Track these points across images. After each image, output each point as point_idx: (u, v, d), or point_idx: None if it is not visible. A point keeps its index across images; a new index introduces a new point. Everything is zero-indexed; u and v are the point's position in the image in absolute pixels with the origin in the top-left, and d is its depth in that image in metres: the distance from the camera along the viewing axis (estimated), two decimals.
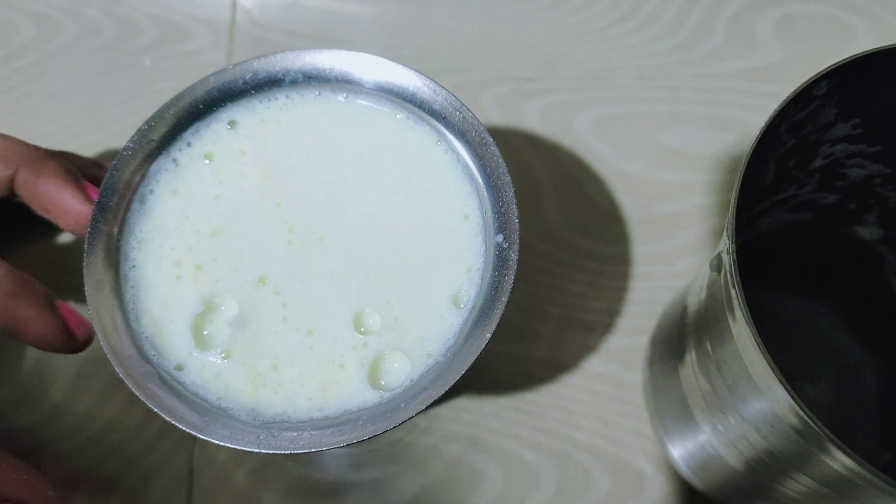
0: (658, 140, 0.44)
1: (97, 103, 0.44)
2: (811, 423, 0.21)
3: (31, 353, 0.38)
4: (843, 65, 0.25)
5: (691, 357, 0.31)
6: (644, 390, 0.38)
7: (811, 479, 0.27)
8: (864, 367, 0.37)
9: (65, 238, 0.40)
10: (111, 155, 0.35)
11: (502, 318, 0.27)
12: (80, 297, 0.28)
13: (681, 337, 0.33)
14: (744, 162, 0.24)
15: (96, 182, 0.32)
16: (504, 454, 0.37)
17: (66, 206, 0.31)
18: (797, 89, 0.25)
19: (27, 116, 0.44)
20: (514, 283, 0.27)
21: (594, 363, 0.39)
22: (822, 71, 0.25)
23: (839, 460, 0.22)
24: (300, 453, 0.36)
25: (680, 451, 0.35)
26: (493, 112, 0.44)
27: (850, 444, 0.21)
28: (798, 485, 0.28)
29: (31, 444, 0.37)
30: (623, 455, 0.37)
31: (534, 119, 0.44)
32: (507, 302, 0.27)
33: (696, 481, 0.35)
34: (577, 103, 0.44)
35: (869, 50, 0.26)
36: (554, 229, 0.41)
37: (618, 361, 0.39)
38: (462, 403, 0.38)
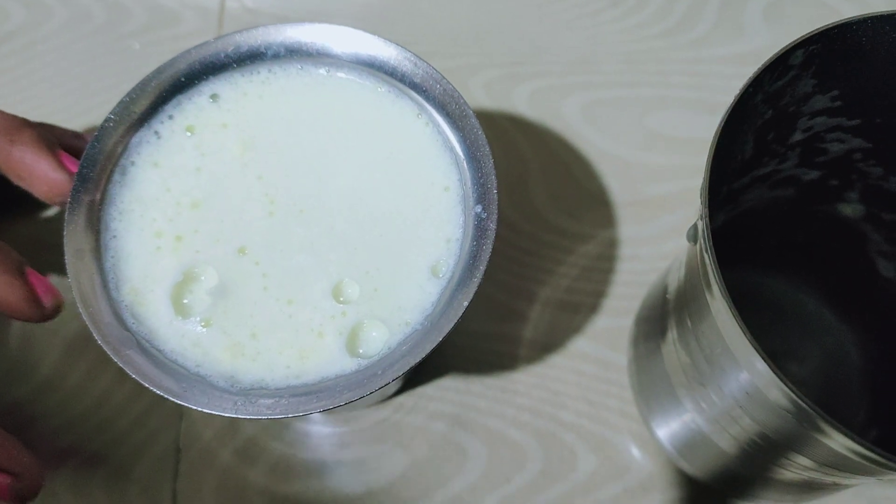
0: (646, 124, 0.44)
1: (86, 87, 0.44)
2: (782, 385, 0.21)
3: (18, 329, 0.38)
4: (818, 33, 0.26)
5: (672, 334, 0.31)
6: (629, 370, 0.38)
7: (793, 452, 0.27)
8: (849, 345, 0.37)
9: (48, 213, 0.40)
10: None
11: (480, 288, 0.27)
12: (62, 273, 0.28)
13: (663, 315, 0.33)
14: (719, 125, 0.24)
15: (77, 153, 0.32)
16: (490, 433, 0.37)
17: (40, 173, 0.31)
18: (772, 57, 0.25)
19: (17, 100, 0.44)
20: (500, 264, 0.27)
21: (580, 344, 0.39)
22: (797, 39, 0.25)
23: (818, 427, 0.22)
24: (286, 429, 0.37)
25: (664, 430, 0.35)
26: (482, 96, 0.44)
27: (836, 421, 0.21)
28: (782, 459, 0.28)
29: (18, 421, 0.37)
30: (608, 435, 0.37)
31: (522, 103, 0.44)
32: (486, 272, 0.27)
33: (681, 460, 0.35)
34: (566, 88, 0.45)
35: (844, 19, 0.26)
36: (541, 211, 0.41)
37: (603, 342, 0.39)
38: (448, 383, 0.38)
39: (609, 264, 0.40)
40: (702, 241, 0.24)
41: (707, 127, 0.43)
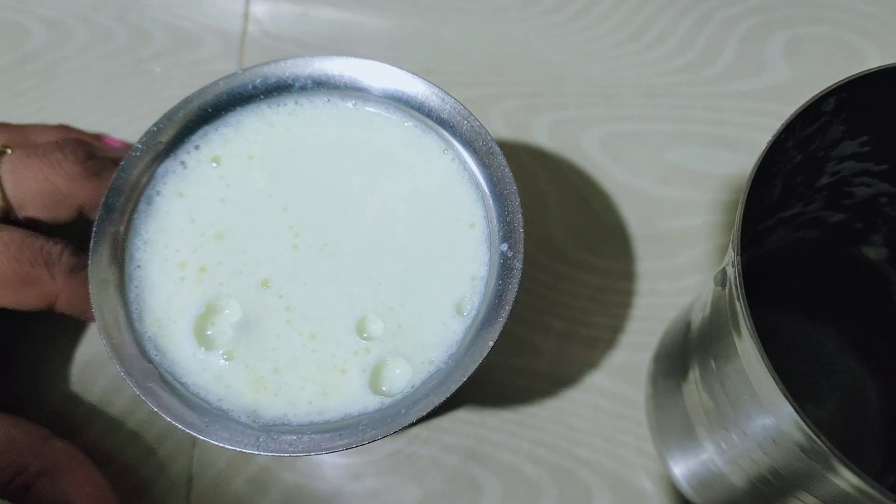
0: (665, 158, 0.44)
1: (106, 109, 0.44)
2: (816, 440, 0.21)
3: (31, 359, 0.38)
4: (851, 81, 0.25)
5: (694, 374, 0.31)
6: (646, 407, 0.38)
7: (815, 499, 0.26)
8: (869, 388, 0.36)
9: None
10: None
11: (505, 327, 0.27)
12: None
13: (684, 354, 0.32)
14: (751, 173, 0.24)
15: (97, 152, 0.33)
16: (504, 468, 0.37)
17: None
18: (805, 104, 0.25)
19: (36, 120, 0.44)
20: (517, 294, 0.27)
21: (596, 378, 0.39)
22: (830, 87, 0.25)
23: (844, 478, 0.22)
24: (299, 459, 0.36)
25: (682, 469, 0.35)
26: (501, 127, 0.44)
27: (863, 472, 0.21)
28: (801, 503, 0.28)
29: None
30: (624, 472, 0.37)
31: (541, 135, 0.44)
32: (511, 311, 0.27)
33: (698, 500, 0.35)
34: (586, 120, 0.45)
35: (878, 67, 0.26)
36: (559, 244, 0.41)
37: (620, 377, 0.39)
38: (463, 415, 0.38)
39: (627, 298, 0.40)
40: (733, 289, 0.24)
41: (727, 162, 0.44)
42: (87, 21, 0.47)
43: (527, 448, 0.37)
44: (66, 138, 0.35)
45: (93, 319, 0.32)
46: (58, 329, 0.38)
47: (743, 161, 0.43)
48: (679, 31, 0.47)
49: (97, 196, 0.32)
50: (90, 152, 0.34)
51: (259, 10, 0.47)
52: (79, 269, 0.32)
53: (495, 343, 0.26)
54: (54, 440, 0.32)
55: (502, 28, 0.47)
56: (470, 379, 0.26)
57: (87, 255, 0.29)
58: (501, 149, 0.29)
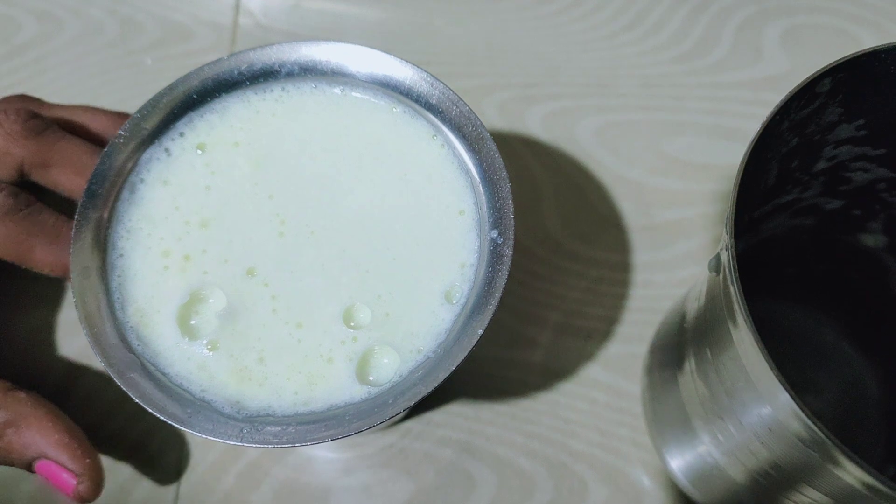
0: (661, 149, 0.43)
1: (97, 101, 0.43)
2: (813, 427, 0.21)
3: (17, 353, 0.37)
4: (846, 61, 0.25)
5: (690, 364, 0.30)
6: (642, 399, 0.37)
7: (812, 489, 0.26)
8: (868, 378, 0.36)
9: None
10: None
11: (495, 316, 0.26)
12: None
13: (680, 344, 0.32)
14: (745, 154, 0.24)
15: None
16: (498, 461, 0.36)
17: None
18: (799, 85, 0.25)
19: None
20: (511, 288, 0.27)
21: (592, 371, 0.38)
22: (825, 67, 0.25)
23: (844, 468, 0.21)
24: (290, 453, 0.36)
25: (678, 461, 0.34)
26: (496, 117, 0.44)
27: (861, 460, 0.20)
28: (800, 495, 0.27)
29: None
30: (620, 466, 0.36)
31: (536, 125, 0.44)
32: (501, 299, 0.26)
33: (695, 493, 0.34)
34: (581, 110, 0.44)
35: (872, 47, 0.25)
36: (554, 235, 0.41)
37: (616, 370, 0.38)
38: (456, 409, 0.37)
39: (622, 290, 0.40)
40: (727, 273, 0.23)
41: (723, 153, 0.43)
42: (79, 13, 0.46)
43: (521, 441, 0.37)
44: (11, 98, 0.35)
45: (24, 265, 0.32)
46: (44, 324, 0.38)
47: (739, 151, 0.42)
48: (675, 21, 0.46)
49: (37, 155, 0.32)
50: (34, 113, 0.34)
51: (251, 1, 0.47)
52: (14, 210, 0.31)
53: (485, 331, 0.26)
54: (17, 391, 0.32)
55: (497, 18, 0.47)
56: (459, 368, 0.25)
57: (27, 198, 0.30)
58: (495, 139, 0.29)
